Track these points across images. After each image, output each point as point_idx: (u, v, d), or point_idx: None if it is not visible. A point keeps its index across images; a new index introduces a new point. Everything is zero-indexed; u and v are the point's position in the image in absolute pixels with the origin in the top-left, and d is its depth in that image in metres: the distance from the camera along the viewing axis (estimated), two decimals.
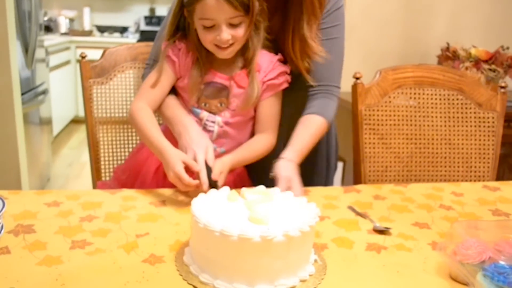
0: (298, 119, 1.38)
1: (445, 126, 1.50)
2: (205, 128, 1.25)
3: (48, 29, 5.13)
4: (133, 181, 1.30)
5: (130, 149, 1.65)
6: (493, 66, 2.30)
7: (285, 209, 0.85)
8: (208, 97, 1.24)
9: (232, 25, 1.15)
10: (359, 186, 1.31)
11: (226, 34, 1.14)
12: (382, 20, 2.75)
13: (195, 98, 1.25)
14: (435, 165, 1.50)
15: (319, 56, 1.23)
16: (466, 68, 2.31)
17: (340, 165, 2.60)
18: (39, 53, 3.28)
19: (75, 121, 4.98)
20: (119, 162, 1.64)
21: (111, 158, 1.64)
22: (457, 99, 1.51)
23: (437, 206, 1.21)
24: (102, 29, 5.43)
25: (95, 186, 1.64)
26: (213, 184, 1.09)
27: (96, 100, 1.61)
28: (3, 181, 2.43)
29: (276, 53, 1.27)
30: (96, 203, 1.10)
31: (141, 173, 1.31)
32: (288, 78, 1.27)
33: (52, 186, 3.42)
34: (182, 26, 1.26)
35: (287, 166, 1.16)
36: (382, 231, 1.03)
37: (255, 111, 1.29)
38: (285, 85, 1.28)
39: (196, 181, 1.09)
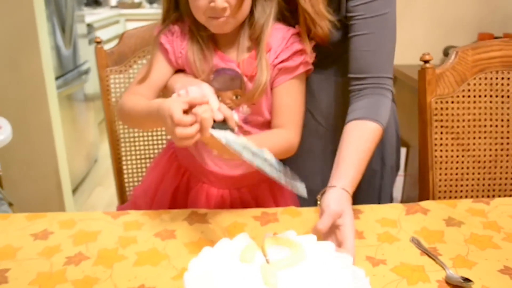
0: (335, 113, 1.10)
1: None
2: None
3: (97, 3, 5.01)
4: (151, 205, 1.09)
5: (154, 148, 1.44)
6: None
7: (320, 279, 0.59)
8: (220, 90, 0.98)
9: None
10: (426, 204, 1.03)
11: (221, 0, 0.89)
12: None
13: None
14: None
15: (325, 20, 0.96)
16: None
17: (402, 151, 2.28)
18: (80, 29, 3.13)
19: None
20: (142, 162, 1.44)
21: (133, 157, 1.44)
22: None
23: None
24: (151, 0, 5.24)
25: (118, 189, 1.46)
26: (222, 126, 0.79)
27: (115, 91, 1.40)
28: (41, 170, 2.32)
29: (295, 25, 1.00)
30: (91, 234, 0.89)
31: (157, 195, 1.09)
32: (307, 58, 0.99)
33: (99, 167, 3.32)
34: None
35: (339, 198, 0.84)
36: (458, 286, 0.75)
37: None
38: (303, 69, 1.00)
39: (191, 118, 0.77)
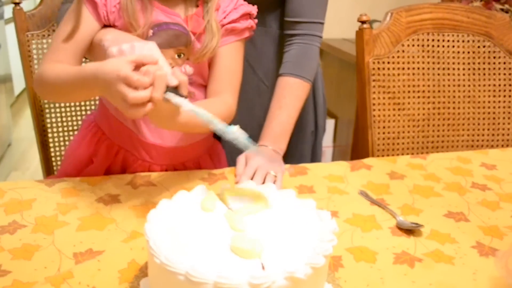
0: (276, 69, 1.09)
1: (468, 80, 1.22)
2: None
3: None
4: None
5: (83, 116, 1.35)
6: (506, 6, 2.00)
7: (287, 222, 0.57)
8: (162, 46, 0.85)
9: None
10: (369, 160, 1.05)
11: None
12: None
13: None
14: (456, 128, 1.24)
15: None
16: None
17: (331, 123, 2.33)
18: None
19: None
20: (70, 134, 1.34)
21: (60, 131, 1.34)
22: (484, 46, 1.22)
23: (469, 186, 0.96)
24: None
25: (44, 164, 1.35)
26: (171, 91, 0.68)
27: (37, 57, 1.29)
28: None
29: None
30: (25, 203, 0.81)
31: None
32: (253, 23, 0.97)
33: (14, 151, 3.09)
34: None
35: (258, 153, 0.95)
36: (409, 230, 0.77)
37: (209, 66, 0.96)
38: (247, 34, 0.97)
39: (148, 80, 0.66)
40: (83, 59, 0.93)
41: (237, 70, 0.97)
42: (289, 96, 1.02)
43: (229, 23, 0.93)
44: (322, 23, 1.05)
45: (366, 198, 0.88)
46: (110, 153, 0.99)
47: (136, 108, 0.66)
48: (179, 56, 0.91)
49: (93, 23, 0.89)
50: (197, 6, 0.92)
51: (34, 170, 2.78)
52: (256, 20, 0.97)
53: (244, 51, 0.99)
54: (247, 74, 1.06)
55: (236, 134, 0.65)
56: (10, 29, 3.49)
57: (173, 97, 0.67)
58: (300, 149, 1.20)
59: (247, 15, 0.95)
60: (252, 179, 0.90)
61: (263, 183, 0.89)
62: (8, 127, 3.16)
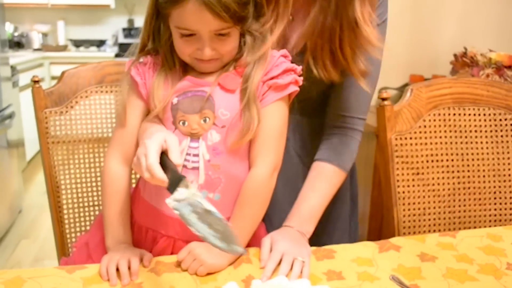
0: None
1: (492, 153, 1.20)
2: (186, 167, 0.90)
3: (19, 45, 4.79)
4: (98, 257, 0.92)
5: (100, 194, 1.33)
6: None
7: None
8: (186, 112, 0.90)
9: (219, 35, 0.85)
10: (396, 240, 1.01)
11: (208, 50, 0.86)
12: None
13: (168, 115, 0.91)
14: (482, 203, 1.20)
15: (374, 46, 0.93)
16: (488, 76, 2.03)
17: None
18: (4, 72, 2.95)
19: None
20: (86, 211, 1.32)
21: (75, 208, 1.31)
22: (505, 119, 1.21)
23: (504, 267, 0.92)
24: (77, 43, 5.07)
25: (58, 248, 1.31)
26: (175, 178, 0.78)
27: (55, 134, 1.29)
28: None
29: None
30: None
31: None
32: (298, 78, 0.92)
33: (25, 218, 3.06)
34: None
35: (284, 235, 0.94)
36: None
37: None
38: (293, 88, 0.92)
39: None
40: None
41: (279, 131, 0.93)
42: (324, 181, 1.01)
43: (271, 79, 0.90)
44: (365, 119, 1.06)
45: (398, 284, 0.84)
46: (139, 234, 0.98)
47: None
48: (204, 121, 0.90)
49: (140, 104, 0.95)
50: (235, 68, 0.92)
51: (45, 238, 2.73)
52: (301, 79, 0.93)
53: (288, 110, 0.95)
54: (294, 163, 1.09)
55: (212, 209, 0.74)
56: (24, 96, 3.56)
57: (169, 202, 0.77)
58: (340, 225, 1.18)
59: (290, 70, 0.92)
60: (278, 264, 0.87)
61: (291, 268, 0.86)
62: (20, 193, 3.16)
